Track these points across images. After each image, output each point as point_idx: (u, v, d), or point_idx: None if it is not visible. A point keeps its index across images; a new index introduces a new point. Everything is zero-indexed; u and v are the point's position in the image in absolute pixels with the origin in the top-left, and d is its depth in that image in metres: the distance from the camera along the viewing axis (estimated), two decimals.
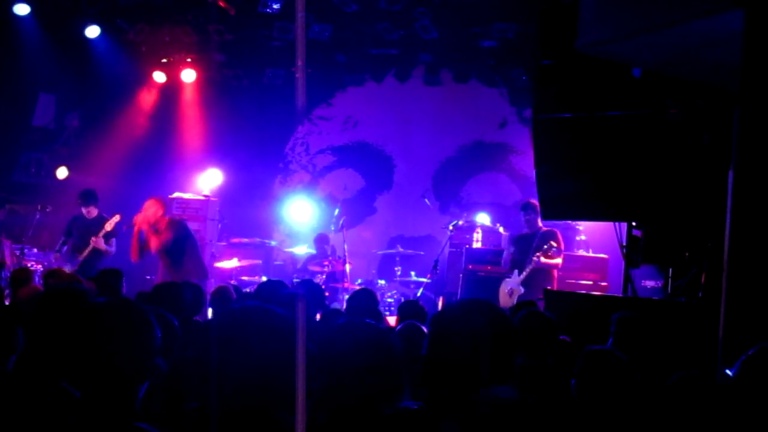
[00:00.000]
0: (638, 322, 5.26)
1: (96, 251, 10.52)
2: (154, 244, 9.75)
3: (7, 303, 6.72)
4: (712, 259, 6.64)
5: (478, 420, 2.68)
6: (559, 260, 10.41)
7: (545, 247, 10.22)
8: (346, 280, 12.20)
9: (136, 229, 9.92)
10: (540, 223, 10.55)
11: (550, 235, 10.41)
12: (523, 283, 10.31)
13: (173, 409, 3.43)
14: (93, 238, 10.46)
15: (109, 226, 10.54)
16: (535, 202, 9.93)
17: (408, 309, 6.72)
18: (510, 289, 10.42)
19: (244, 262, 13.06)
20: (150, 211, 9.82)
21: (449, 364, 2.79)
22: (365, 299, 6.82)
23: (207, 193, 13.82)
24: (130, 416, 2.54)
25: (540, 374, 4.60)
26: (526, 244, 10.51)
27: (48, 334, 3.73)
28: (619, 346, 4.93)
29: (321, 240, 13.00)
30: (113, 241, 10.78)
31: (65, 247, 11.00)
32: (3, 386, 3.49)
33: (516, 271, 10.46)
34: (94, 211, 10.91)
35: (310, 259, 12.87)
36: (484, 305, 2.91)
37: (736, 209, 5.14)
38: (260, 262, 13.61)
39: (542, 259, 10.22)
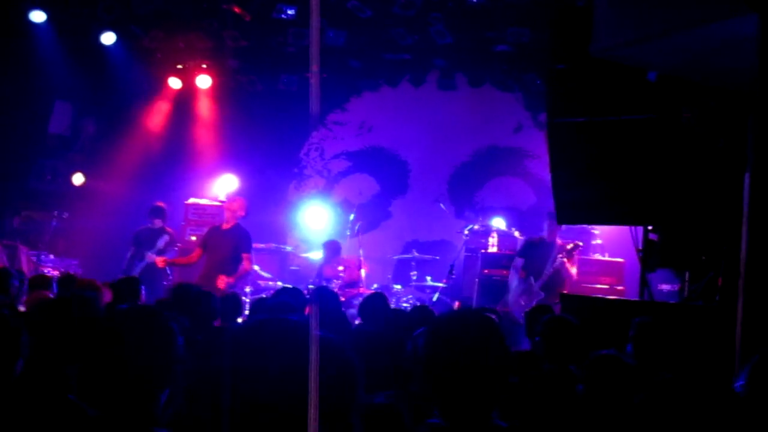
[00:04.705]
0: (657, 327, 5.23)
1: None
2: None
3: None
4: (729, 263, 6.62)
5: None
6: (575, 270, 10.49)
7: (569, 247, 10.27)
8: (361, 286, 12.18)
9: None
10: (557, 236, 10.61)
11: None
12: (542, 288, 10.31)
13: (194, 415, 3.42)
14: (147, 254, 11.15)
15: (161, 243, 11.33)
16: None
17: (420, 315, 6.71)
18: (528, 293, 10.40)
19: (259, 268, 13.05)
20: None
21: (446, 382, 2.62)
22: (379, 303, 6.81)
23: (222, 198, 13.86)
24: (151, 422, 2.56)
25: (560, 380, 4.58)
26: (546, 251, 10.50)
27: (57, 342, 3.71)
28: (639, 351, 4.91)
29: (330, 246, 12.76)
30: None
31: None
32: (10, 392, 3.49)
33: (531, 277, 10.44)
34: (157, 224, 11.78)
35: (323, 264, 12.74)
36: (478, 322, 2.71)
37: (752, 212, 5.13)
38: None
39: (567, 264, 10.24)
